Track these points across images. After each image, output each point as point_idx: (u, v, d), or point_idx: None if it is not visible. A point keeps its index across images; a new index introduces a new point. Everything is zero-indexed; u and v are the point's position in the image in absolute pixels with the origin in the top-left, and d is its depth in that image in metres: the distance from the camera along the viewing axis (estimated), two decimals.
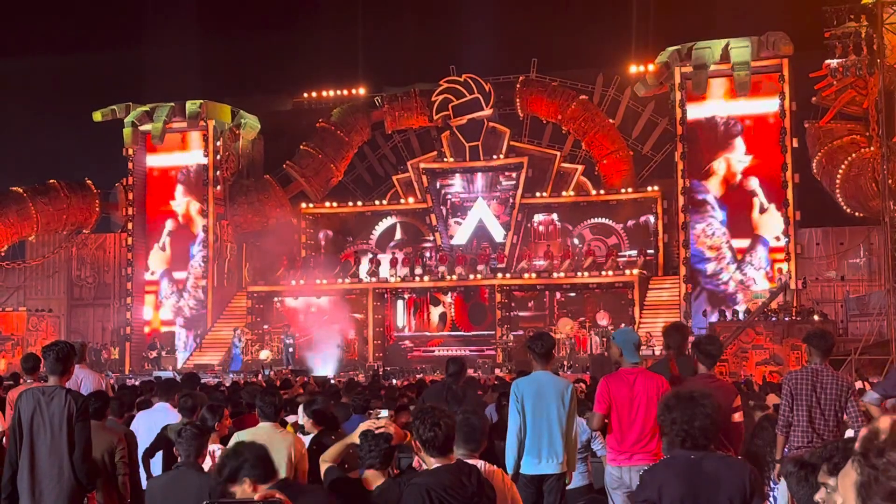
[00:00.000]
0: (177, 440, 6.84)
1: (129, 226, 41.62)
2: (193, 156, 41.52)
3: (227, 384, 20.30)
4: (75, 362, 8.21)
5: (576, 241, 39.88)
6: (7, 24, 49.11)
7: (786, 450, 8.46)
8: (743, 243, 35.40)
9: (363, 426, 5.75)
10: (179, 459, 6.87)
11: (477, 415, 6.27)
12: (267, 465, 4.78)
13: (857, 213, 34.60)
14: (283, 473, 7.68)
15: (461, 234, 40.50)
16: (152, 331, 40.90)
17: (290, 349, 35.23)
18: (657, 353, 31.10)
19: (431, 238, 40.91)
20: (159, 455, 9.34)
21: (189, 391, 10.91)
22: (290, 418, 10.45)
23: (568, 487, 8.55)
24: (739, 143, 35.58)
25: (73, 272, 44.23)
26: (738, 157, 35.60)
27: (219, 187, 41.20)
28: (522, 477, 8.29)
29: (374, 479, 5.54)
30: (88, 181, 42.94)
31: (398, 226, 42.37)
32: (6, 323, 40.06)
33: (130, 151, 41.32)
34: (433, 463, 5.25)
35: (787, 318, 30.88)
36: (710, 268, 35.53)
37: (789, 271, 33.83)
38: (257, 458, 4.78)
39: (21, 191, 41.32)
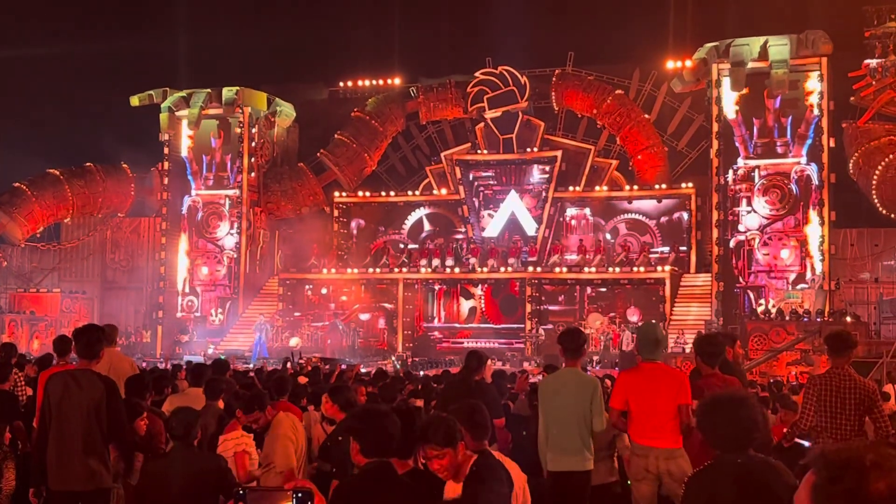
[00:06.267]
0: (171, 422, 6.90)
1: (164, 210, 41.87)
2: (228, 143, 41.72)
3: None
4: (105, 345, 8.26)
5: (608, 236, 39.73)
6: (45, 9, 49.51)
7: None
8: None
9: None
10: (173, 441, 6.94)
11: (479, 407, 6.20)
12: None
13: (892, 215, 34.25)
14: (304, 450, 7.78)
15: (493, 226, 40.39)
16: (184, 315, 41.07)
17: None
18: (688, 350, 30.61)
19: (463, 230, 40.88)
20: None
21: (218, 377, 11.00)
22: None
23: (594, 483, 8.47)
24: None
25: (108, 255, 44.60)
26: None
27: (253, 174, 41.38)
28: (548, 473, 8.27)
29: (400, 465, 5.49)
30: (124, 165, 43.30)
31: (430, 216, 42.35)
32: (40, 304, 40.44)
33: (166, 136, 41.57)
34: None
35: (818, 319, 30.64)
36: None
37: (822, 273, 33.51)
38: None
39: (58, 173, 41.70)
